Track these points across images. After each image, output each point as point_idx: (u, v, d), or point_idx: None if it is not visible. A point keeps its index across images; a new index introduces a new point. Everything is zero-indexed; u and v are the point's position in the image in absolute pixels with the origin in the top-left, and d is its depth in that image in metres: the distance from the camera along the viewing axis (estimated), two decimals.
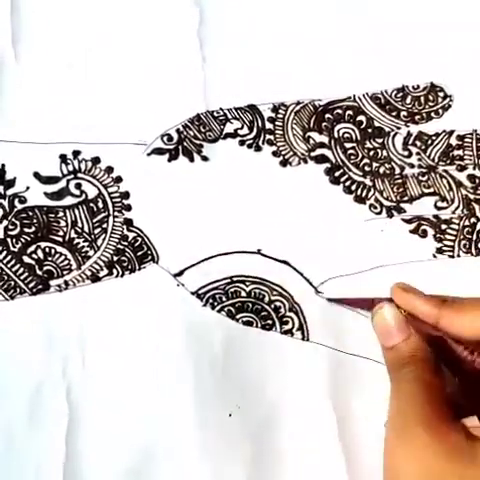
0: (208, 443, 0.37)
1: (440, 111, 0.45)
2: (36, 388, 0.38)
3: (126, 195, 0.42)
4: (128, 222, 0.41)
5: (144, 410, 0.38)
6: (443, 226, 0.43)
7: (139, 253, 0.41)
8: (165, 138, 0.43)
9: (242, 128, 0.44)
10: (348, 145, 0.44)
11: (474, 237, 0.43)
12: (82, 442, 0.37)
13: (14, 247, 0.40)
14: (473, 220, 0.43)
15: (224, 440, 0.38)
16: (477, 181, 0.44)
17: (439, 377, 0.33)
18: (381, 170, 0.44)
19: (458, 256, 0.42)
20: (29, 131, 0.42)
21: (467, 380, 0.33)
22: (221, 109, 0.44)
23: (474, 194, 0.43)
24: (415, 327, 0.34)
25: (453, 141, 0.44)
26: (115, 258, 0.41)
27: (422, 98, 0.45)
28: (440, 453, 0.29)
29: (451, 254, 0.42)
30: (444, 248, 0.42)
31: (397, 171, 0.44)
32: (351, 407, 0.39)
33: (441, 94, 0.45)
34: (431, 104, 0.45)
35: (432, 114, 0.45)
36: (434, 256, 0.42)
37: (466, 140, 0.44)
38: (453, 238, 0.42)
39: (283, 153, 0.44)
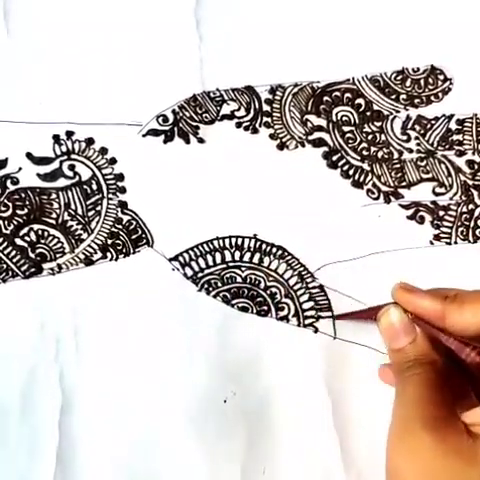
0: (203, 429, 0.37)
1: (440, 95, 0.45)
2: (29, 372, 0.37)
3: (121, 177, 0.41)
4: (123, 205, 0.41)
5: (138, 395, 0.38)
6: (441, 212, 0.42)
7: (134, 236, 0.40)
8: (160, 119, 0.42)
9: (239, 110, 0.43)
10: (346, 128, 0.43)
11: (472, 224, 0.42)
12: (75, 427, 0.37)
13: (6, 229, 0.39)
14: (471, 206, 0.43)
15: (219, 426, 0.37)
16: (476, 167, 0.43)
17: (444, 378, 0.33)
18: (379, 155, 0.43)
19: (455, 243, 0.42)
20: (21, 110, 0.41)
21: (475, 380, 0.33)
22: (218, 90, 0.43)
23: (473, 180, 0.43)
24: (422, 328, 0.34)
25: (452, 125, 0.44)
26: (109, 241, 0.40)
27: (422, 81, 0.45)
28: (440, 453, 0.29)
29: (448, 241, 0.42)
30: (441, 235, 0.42)
31: (395, 156, 0.43)
32: (346, 392, 0.39)
33: (441, 77, 0.45)
34: (431, 87, 0.45)
35: (432, 98, 0.44)
36: (431, 243, 0.42)
37: (466, 124, 0.44)
38: (450, 225, 0.42)
39: (280, 136, 0.43)
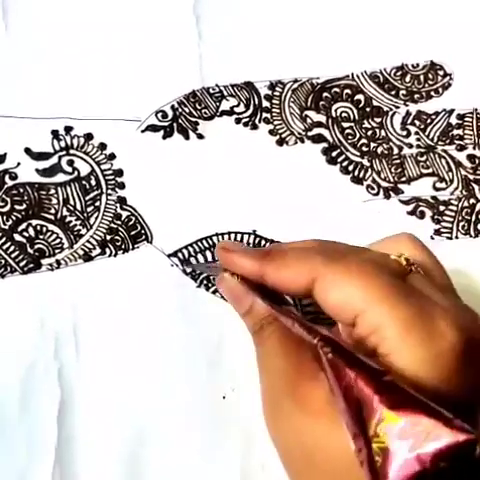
0: (201, 426, 0.37)
1: (440, 90, 0.44)
2: (27, 369, 0.37)
3: (119, 173, 0.41)
4: (121, 200, 0.41)
5: (137, 392, 0.37)
6: (441, 207, 0.42)
7: (133, 232, 0.40)
8: (160, 115, 0.42)
9: (238, 105, 0.43)
10: (346, 124, 0.43)
11: (473, 218, 0.42)
12: (74, 425, 0.36)
13: (4, 224, 0.39)
14: (472, 201, 0.42)
15: (218, 422, 0.37)
16: (477, 161, 0.43)
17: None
18: (379, 150, 0.43)
19: (456, 238, 0.42)
20: (20, 105, 0.41)
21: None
22: (217, 85, 0.43)
23: (474, 175, 0.43)
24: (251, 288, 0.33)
25: (453, 120, 0.44)
26: (108, 237, 0.40)
27: (422, 77, 0.45)
28: (306, 420, 0.29)
29: (449, 236, 0.42)
30: (442, 229, 0.42)
31: (395, 151, 0.43)
32: None
33: (441, 72, 0.45)
34: (431, 83, 0.44)
35: (432, 93, 0.44)
36: (432, 238, 0.42)
37: (466, 119, 0.44)
38: (451, 220, 0.42)
39: (280, 132, 0.43)
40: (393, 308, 0.28)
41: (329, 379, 0.27)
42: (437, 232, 0.42)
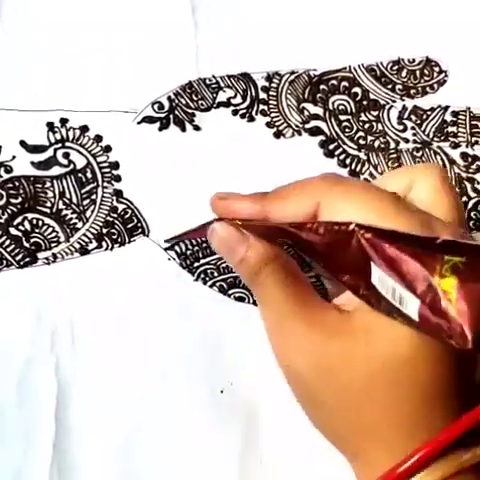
0: (199, 420, 0.37)
1: (435, 86, 0.45)
2: (24, 364, 0.37)
3: (116, 165, 0.40)
4: (118, 193, 0.40)
5: (134, 386, 0.37)
6: None
7: (129, 225, 0.40)
8: (156, 106, 0.41)
9: (235, 97, 0.43)
10: (343, 117, 0.43)
11: (465, 216, 0.43)
12: (71, 418, 0.36)
13: (0, 218, 0.38)
14: (464, 199, 0.43)
15: (216, 416, 0.37)
16: (469, 159, 0.44)
17: (296, 268, 0.33)
18: (376, 144, 0.43)
19: None
20: (15, 98, 0.40)
21: (326, 260, 0.32)
22: (214, 77, 0.43)
23: (466, 172, 0.43)
24: (252, 231, 0.33)
25: (448, 117, 0.44)
26: (104, 230, 0.39)
27: (417, 72, 0.45)
28: (320, 337, 0.30)
29: None
30: None
31: (392, 145, 0.43)
32: None
33: (436, 69, 0.45)
34: (426, 78, 0.45)
35: (427, 89, 0.45)
36: None
37: (460, 117, 0.44)
38: None
39: (277, 124, 0.43)
40: (395, 223, 0.29)
41: (373, 260, 0.28)
42: None
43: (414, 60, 0.45)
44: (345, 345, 0.30)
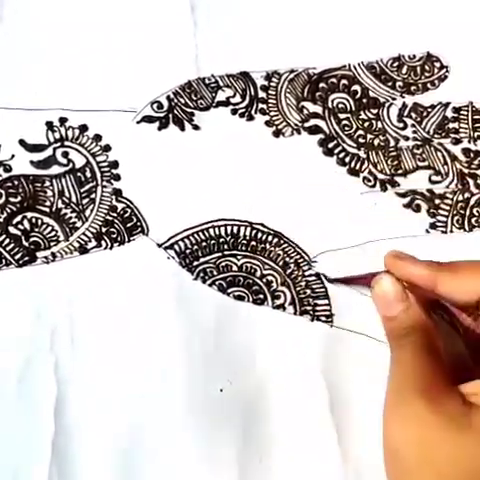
0: (199, 418, 0.37)
1: (436, 82, 0.44)
2: (24, 363, 0.37)
3: (115, 164, 0.40)
4: (117, 192, 0.40)
5: (133, 385, 0.37)
6: (437, 201, 0.42)
7: (128, 225, 0.40)
8: (155, 105, 0.42)
9: (234, 96, 0.43)
10: (342, 116, 0.43)
11: (467, 212, 0.42)
12: (71, 418, 0.36)
13: None
14: (467, 195, 0.43)
15: (215, 415, 0.37)
16: (472, 155, 0.43)
17: (439, 345, 0.33)
18: (375, 142, 0.43)
19: (451, 231, 0.42)
20: (14, 97, 0.40)
21: (473, 345, 0.33)
22: (213, 76, 0.43)
23: (468, 168, 0.43)
24: (415, 296, 0.34)
25: (449, 113, 0.44)
26: (104, 229, 0.40)
27: (418, 68, 0.44)
28: (435, 421, 0.30)
29: (444, 230, 0.42)
30: (437, 223, 0.42)
31: (392, 143, 0.43)
32: (342, 381, 0.38)
33: (437, 64, 0.45)
34: (427, 75, 0.44)
35: (428, 85, 0.44)
36: (427, 231, 0.42)
37: (462, 113, 0.44)
38: (446, 213, 0.42)
39: (276, 123, 0.43)
40: None
41: None
42: (432, 226, 0.42)
43: (415, 56, 0.45)
44: (457, 436, 0.29)
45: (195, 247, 0.40)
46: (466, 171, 0.43)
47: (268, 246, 0.40)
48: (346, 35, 0.44)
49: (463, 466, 0.29)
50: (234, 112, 0.43)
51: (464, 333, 0.33)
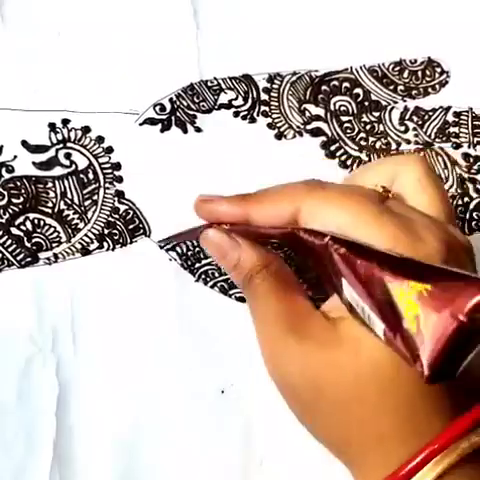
0: (200, 420, 0.37)
1: (437, 86, 0.45)
2: (25, 364, 0.37)
3: (117, 166, 0.40)
4: (119, 194, 0.40)
5: (135, 386, 0.38)
6: None
7: (131, 226, 0.40)
8: (157, 108, 0.42)
9: (237, 99, 0.43)
10: (344, 118, 0.43)
11: (467, 216, 0.43)
12: (72, 418, 0.37)
13: (1, 218, 0.38)
14: (466, 199, 0.43)
15: (217, 417, 0.38)
16: (471, 160, 0.44)
17: (289, 273, 0.34)
18: (377, 145, 0.43)
19: None
20: (17, 98, 0.40)
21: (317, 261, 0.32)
22: (215, 78, 0.43)
23: (468, 173, 0.43)
24: (245, 233, 0.34)
25: (450, 118, 0.44)
26: (106, 231, 0.40)
27: (419, 73, 0.45)
28: (309, 347, 0.30)
29: None
30: None
31: (393, 147, 0.43)
32: None
33: (438, 69, 0.45)
34: (428, 79, 0.45)
35: (429, 89, 0.45)
36: None
37: (462, 117, 0.44)
38: None
39: (278, 125, 0.43)
40: (375, 228, 0.29)
41: (344, 275, 0.28)
42: None
43: (416, 61, 0.45)
44: (333, 354, 0.30)
45: (197, 249, 0.40)
46: (465, 176, 0.43)
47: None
48: (348, 38, 0.44)
49: (348, 376, 0.30)
50: (236, 114, 0.43)
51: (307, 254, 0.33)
